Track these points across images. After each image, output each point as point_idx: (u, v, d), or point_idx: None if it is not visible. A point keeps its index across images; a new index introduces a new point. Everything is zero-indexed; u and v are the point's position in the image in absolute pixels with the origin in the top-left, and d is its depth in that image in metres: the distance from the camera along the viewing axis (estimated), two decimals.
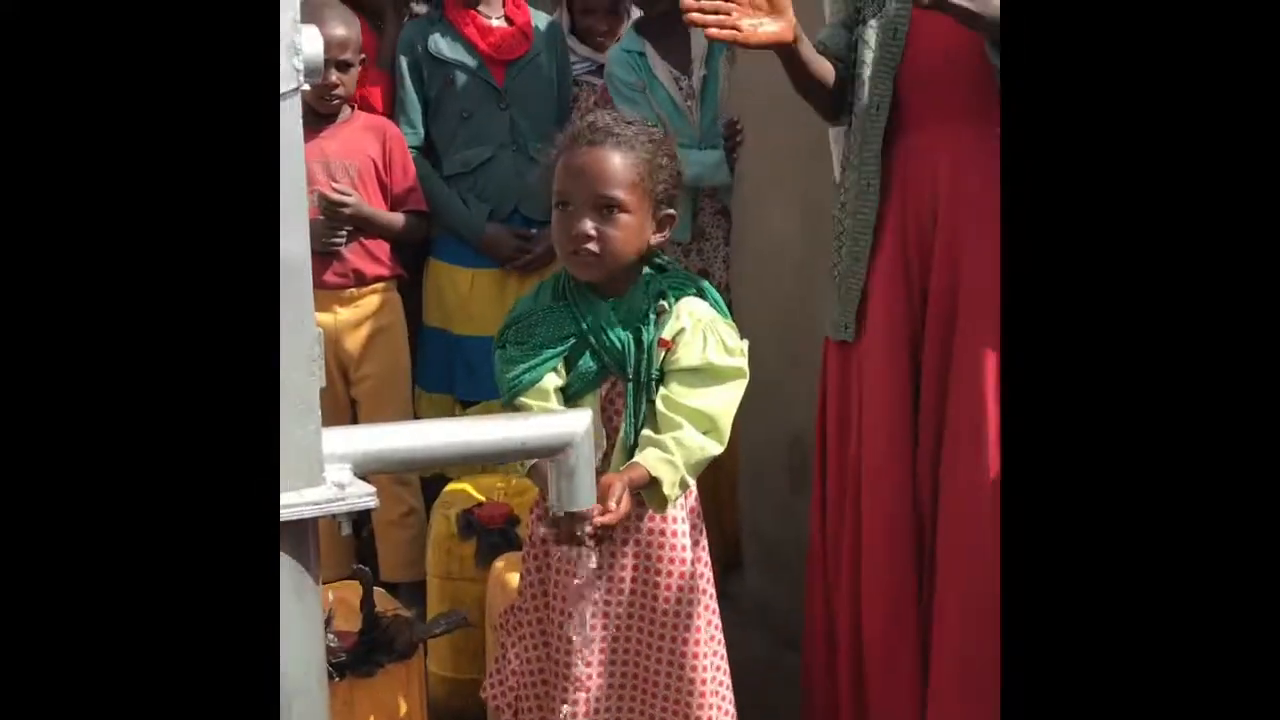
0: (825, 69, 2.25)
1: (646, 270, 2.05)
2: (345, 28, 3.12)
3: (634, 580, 2.04)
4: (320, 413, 1.08)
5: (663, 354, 2.00)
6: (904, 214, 2.20)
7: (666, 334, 2.00)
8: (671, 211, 2.04)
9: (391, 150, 3.26)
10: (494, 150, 3.35)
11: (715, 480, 2.98)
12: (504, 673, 2.14)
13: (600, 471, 1.88)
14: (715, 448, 1.98)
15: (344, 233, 3.15)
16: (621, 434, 2.01)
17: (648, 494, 1.95)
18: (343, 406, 3.22)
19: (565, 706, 2.03)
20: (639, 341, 1.99)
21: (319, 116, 3.14)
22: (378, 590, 2.38)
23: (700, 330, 2.00)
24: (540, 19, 3.48)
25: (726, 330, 2.03)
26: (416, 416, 3.31)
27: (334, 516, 1.08)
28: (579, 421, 1.33)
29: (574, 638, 1.98)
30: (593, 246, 1.96)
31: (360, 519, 3.04)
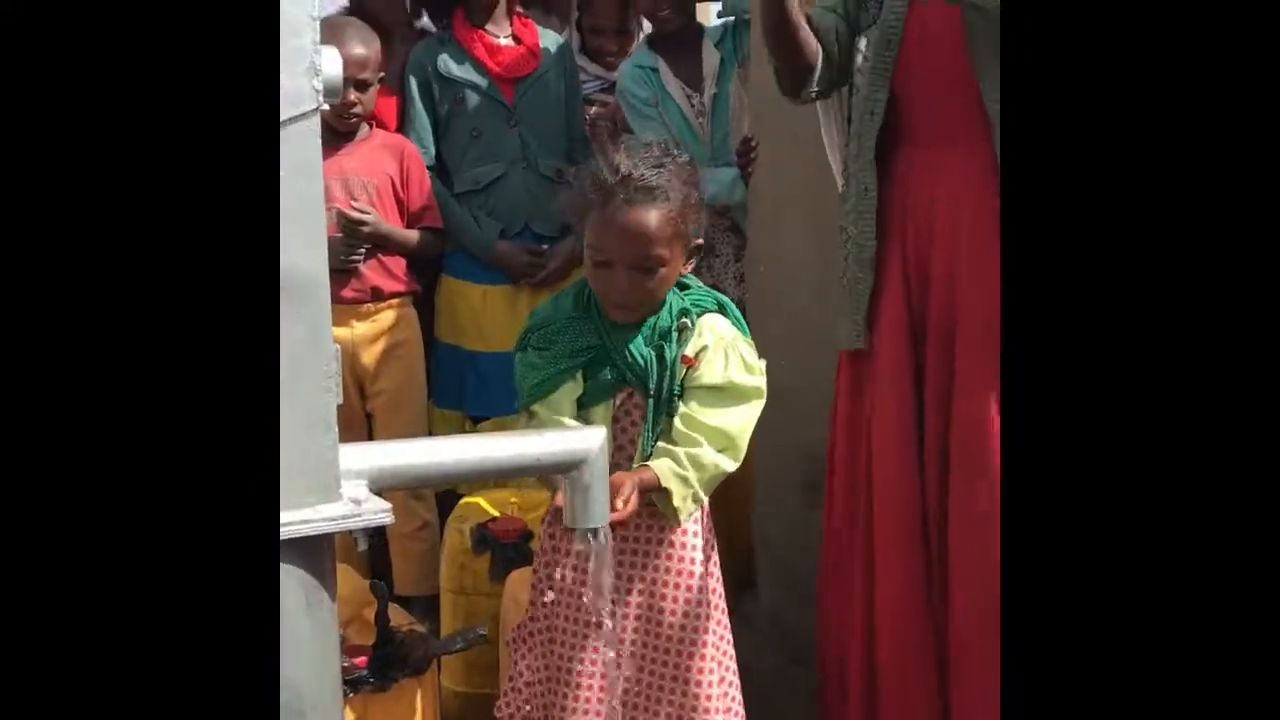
0: (805, 29, 2.25)
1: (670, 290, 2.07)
2: (364, 47, 3.13)
3: (643, 594, 2.05)
4: (337, 428, 1.09)
5: (685, 370, 2.01)
6: (904, 220, 2.22)
7: (689, 351, 2.02)
8: (700, 241, 2.06)
9: (409, 168, 3.27)
10: (504, 168, 3.36)
11: (728, 497, 2.98)
12: (517, 686, 2.14)
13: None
14: (730, 465, 2.00)
15: (362, 250, 3.16)
16: (639, 447, 2.02)
17: (660, 500, 1.96)
18: (358, 420, 3.23)
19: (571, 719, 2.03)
20: (661, 358, 2.01)
21: (337, 134, 3.15)
22: (392, 605, 2.38)
23: (722, 349, 2.02)
24: (549, 38, 3.50)
25: (747, 349, 2.05)
26: (430, 432, 3.32)
27: (350, 532, 1.09)
28: (593, 439, 1.34)
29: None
30: (634, 300, 1.99)
31: (375, 532, 3.07)
